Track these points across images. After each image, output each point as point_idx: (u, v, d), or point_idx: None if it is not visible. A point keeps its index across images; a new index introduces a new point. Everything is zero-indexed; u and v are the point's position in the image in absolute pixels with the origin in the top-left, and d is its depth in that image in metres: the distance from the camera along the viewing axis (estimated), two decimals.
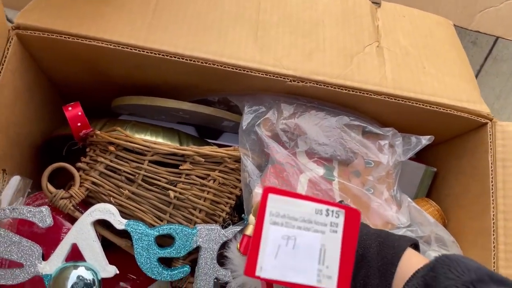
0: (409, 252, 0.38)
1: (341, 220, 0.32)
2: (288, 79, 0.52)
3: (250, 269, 0.31)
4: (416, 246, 0.40)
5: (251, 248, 0.31)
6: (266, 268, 0.31)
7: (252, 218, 0.44)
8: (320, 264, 0.31)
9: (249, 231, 0.41)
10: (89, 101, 0.55)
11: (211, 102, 0.64)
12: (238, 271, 0.43)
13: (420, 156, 0.66)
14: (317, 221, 0.32)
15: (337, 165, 0.55)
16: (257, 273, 0.31)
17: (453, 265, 0.32)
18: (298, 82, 0.52)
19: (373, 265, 0.37)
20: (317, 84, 0.52)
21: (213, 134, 0.69)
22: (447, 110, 0.55)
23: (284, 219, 0.32)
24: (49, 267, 0.45)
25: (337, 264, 0.31)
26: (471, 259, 0.34)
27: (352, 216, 0.32)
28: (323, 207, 0.32)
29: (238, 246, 0.43)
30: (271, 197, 0.31)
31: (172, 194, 0.50)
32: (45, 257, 0.46)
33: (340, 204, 0.32)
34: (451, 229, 0.56)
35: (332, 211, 0.32)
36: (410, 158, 0.64)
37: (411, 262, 0.36)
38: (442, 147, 0.64)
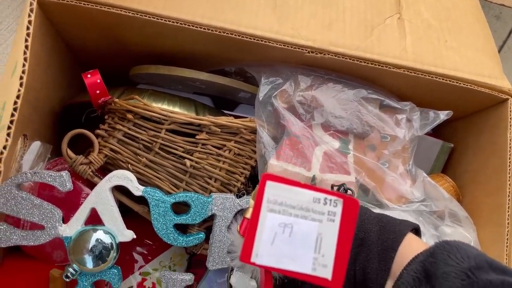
0: (410, 237, 0.38)
1: (339, 209, 0.31)
2: (306, 50, 0.51)
3: (246, 255, 0.31)
4: (417, 231, 0.40)
5: (247, 234, 0.31)
6: (262, 254, 0.31)
7: (252, 202, 0.44)
8: (316, 252, 0.31)
9: (249, 214, 0.41)
10: (107, 69, 0.56)
11: (228, 73, 0.63)
12: (237, 252, 0.43)
13: (437, 132, 0.66)
14: (314, 209, 0.32)
15: (352, 138, 0.55)
16: (253, 260, 0.31)
17: (452, 252, 0.32)
18: (316, 54, 0.51)
19: (373, 249, 0.37)
20: (335, 56, 0.52)
21: (229, 105, 0.69)
22: (467, 85, 0.54)
23: (282, 207, 0.31)
24: (69, 229, 0.47)
25: (333, 253, 0.31)
26: (471, 246, 0.33)
27: (350, 206, 0.31)
28: (322, 196, 0.32)
29: (238, 228, 0.43)
30: (269, 184, 0.31)
31: (188, 163, 0.51)
32: (64, 220, 0.48)
33: (338, 193, 0.32)
34: (466, 205, 0.56)
35: (330, 200, 0.32)
36: (427, 134, 0.63)
37: (411, 247, 0.36)
38: (461, 123, 0.63)
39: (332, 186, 0.48)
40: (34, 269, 0.54)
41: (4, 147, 0.35)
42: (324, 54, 0.51)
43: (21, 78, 0.37)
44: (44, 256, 0.53)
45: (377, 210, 0.50)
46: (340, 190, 0.43)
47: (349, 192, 0.46)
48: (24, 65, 0.38)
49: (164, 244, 0.60)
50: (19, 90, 0.37)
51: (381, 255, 0.37)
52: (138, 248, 0.59)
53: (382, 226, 0.39)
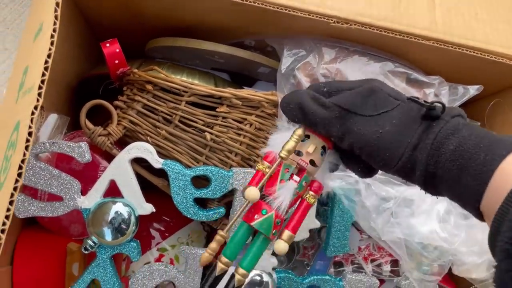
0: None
1: None
2: (332, 20, 0.49)
3: None
4: None
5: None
6: None
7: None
8: None
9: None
10: (123, 43, 0.54)
11: (247, 47, 0.62)
12: None
13: (463, 109, 0.63)
14: None
15: None
16: None
17: None
18: (342, 24, 0.49)
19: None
20: (362, 27, 0.50)
21: (247, 82, 0.67)
22: (498, 59, 0.51)
23: None
24: (88, 201, 0.46)
25: None
26: None
27: None
28: None
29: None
30: None
31: (208, 136, 0.49)
32: (82, 194, 0.47)
33: None
34: None
35: None
36: None
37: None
38: (489, 100, 0.61)
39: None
40: (51, 243, 0.54)
41: (35, 107, 0.34)
42: (350, 25, 0.49)
43: (51, 43, 0.36)
44: (62, 229, 0.52)
45: (402, 188, 0.49)
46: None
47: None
48: (53, 36, 0.36)
49: (181, 220, 0.60)
50: (50, 49, 0.35)
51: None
52: (155, 224, 0.58)
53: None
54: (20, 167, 0.32)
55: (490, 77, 0.55)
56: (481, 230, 0.49)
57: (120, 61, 0.49)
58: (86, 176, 0.49)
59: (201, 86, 0.49)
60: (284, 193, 0.34)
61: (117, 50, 0.49)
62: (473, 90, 0.52)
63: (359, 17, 0.49)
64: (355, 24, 0.50)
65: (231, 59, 0.58)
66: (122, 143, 0.50)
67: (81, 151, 0.45)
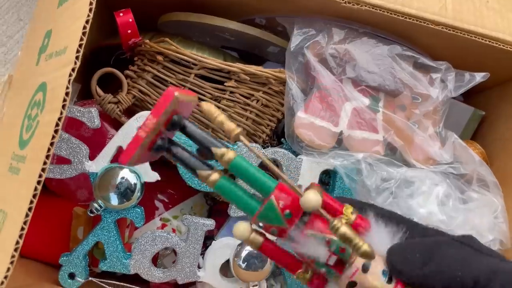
0: None
1: None
2: (343, 0, 0.50)
3: None
4: None
5: None
6: None
7: None
8: None
9: None
10: (136, 16, 0.55)
11: (258, 26, 0.62)
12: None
13: (469, 99, 0.64)
14: None
15: (383, 96, 0.54)
16: None
17: None
18: (353, 5, 0.50)
19: None
20: (372, 8, 0.50)
21: (256, 62, 0.68)
22: (506, 47, 0.52)
23: None
24: (95, 166, 0.47)
25: None
26: None
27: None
28: None
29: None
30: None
31: None
32: (90, 159, 0.48)
33: None
34: (494, 174, 0.55)
35: None
36: (458, 100, 0.62)
37: None
38: (495, 91, 0.61)
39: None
40: (58, 207, 0.55)
41: (73, 70, 0.35)
42: (360, 6, 0.50)
43: (90, 10, 0.37)
44: (68, 194, 0.54)
45: (403, 169, 0.49)
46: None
47: None
48: (91, 3, 0.37)
49: (184, 193, 0.61)
50: (88, 15, 0.36)
51: None
52: (159, 196, 0.59)
53: None
54: (57, 125, 0.33)
55: (498, 65, 0.55)
56: (479, 215, 0.49)
57: (133, 31, 0.50)
58: (95, 143, 0.50)
59: (211, 59, 0.50)
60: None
61: (130, 20, 0.49)
62: (479, 77, 0.53)
63: None
64: (365, 6, 0.50)
65: (241, 37, 0.59)
66: (130, 113, 0.51)
67: (91, 116, 0.46)
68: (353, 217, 0.29)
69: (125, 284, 0.49)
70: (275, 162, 0.51)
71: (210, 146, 0.28)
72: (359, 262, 0.28)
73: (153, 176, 0.48)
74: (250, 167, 0.29)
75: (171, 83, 0.50)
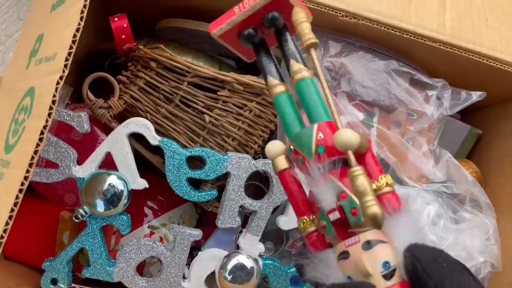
0: None
1: None
2: (340, 13, 0.49)
3: None
4: None
5: None
6: None
7: None
8: None
9: None
10: (132, 22, 0.55)
11: None
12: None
13: (466, 118, 0.63)
14: None
15: (378, 112, 0.53)
16: None
17: None
18: (350, 18, 0.49)
19: None
20: (370, 23, 0.50)
21: (253, 71, 0.68)
22: (504, 67, 0.51)
23: None
24: (83, 171, 0.47)
25: None
26: None
27: None
28: None
29: None
30: None
31: (207, 118, 0.50)
32: (79, 164, 0.47)
33: None
34: (488, 193, 0.54)
35: None
36: (455, 118, 0.61)
37: None
38: (492, 110, 0.60)
39: None
40: (45, 211, 0.54)
41: (61, 78, 0.35)
42: (358, 20, 0.49)
43: (81, 18, 0.36)
44: (56, 198, 0.53)
45: (395, 187, 0.49)
46: None
47: None
48: (82, 12, 0.37)
49: (174, 201, 0.60)
50: (79, 24, 0.36)
51: None
52: (148, 202, 0.59)
53: None
54: (42, 133, 0.33)
55: (495, 85, 0.54)
56: (470, 236, 0.48)
57: (127, 36, 0.49)
58: (84, 147, 0.50)
59: (204, 68, 0.49)
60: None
61: (125, 25, 0.49)
62: (475, 96, 0.52)
63: (368, 13, 0.49)
64: (363, 20, 0.50)
65: None
66: (122, 119, 0.51)
67: (80, 121, 0.46)
68: (386, 189, 0.25)
69: None
70: (265, 173, 0.50)
71: (291, 57, 0.29)
72: (364, 235, 0.24)
73: (141, 184, 0.48)
74: (314, 92, 0.28)
75: (163, 90, 0.50)
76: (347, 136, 0.24)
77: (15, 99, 0.38)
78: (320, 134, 0.26)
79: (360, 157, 0.26)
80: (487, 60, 0.51)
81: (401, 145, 0.51)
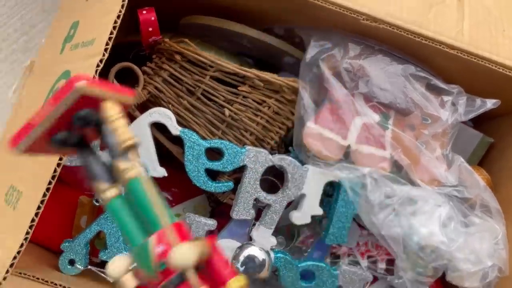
0: None
1: None
2: (362, 17, 0.51)
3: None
4: None
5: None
6: None
7: None
8: None
9: None
10: (157, 17, 0.56)
11: (276, 36, 0.63)
12: None
13: (479, 126, 0.64)
14: None
15: (393, 114, 0.55)
16: None
17: None
18: (371, 22, 0.51)
19: None
20: (390, 27, 0.51)
21: (271, 71, 0.69)
22: None
23: None
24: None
25: None
26: None
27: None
28: None
29: None
30: None
31: (227, 112, 0.51)
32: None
33: None
34: (498, 201, 0.55)
35: None
36: (468, 126, 0.62)
37: None
38: (506, 118, 0.61)
39: None
40: (64, 194, 0.56)
41: (101, 61, 0.36)
42: (378, 24, 0.51)
43: (122, 6, 0.38)
44: (76, 182, 0.55)
45: (407, 187, 0.50)
46: None
47: None
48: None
49: (188, 193, 0.62)
50: (120, 11, 0.38)
51: None
52: (163, 193, 0.60)
53: None
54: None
55: (510, 94, 0.55)
56: (479, 240, 0.49)
57: (154, 29, 0.51)
58: None
59: (227, 63, 0.51)
60: None
61: (152, 18, 0.51)
62: (490, 103, 0.53)
63: (389, 17, 0.51)
64: (384, 24, 0.51)
65: (259, 45, 0.60)
66: (144, 109, 0.52)
67: None
68: None
69: None
70: (281, 169, 0.51)
71: (115, 156, 0.25)
72: None
73: (161, 172, 0.49)
74: (147, 195, 0.24)
75: (186, 82, 0.51)
76: (182, 256, 0.22)
77: (48, 81, 0.40)
78: (160, 248, 0.23)
79: (207, 262, 0.24)
80: (503, 69, 0.52)
81: (415, 147, 0.52)
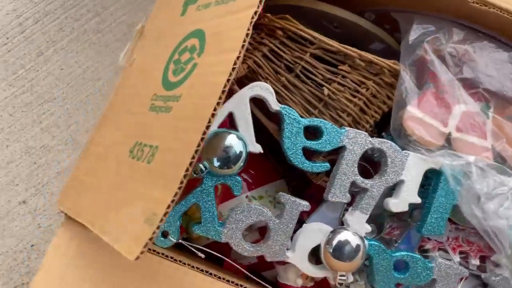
0: None
1: None
2: (471, 0, 0.49)
3: None
4: None
5: None
6: None
7: None
8: None
9: None
10: None
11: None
12: None
13: None
14: None
15: (493, 104, 0.52)
16: None
17: None
18: (480, 5, 0.49)
19: None
20: (500, 12, 0.49)
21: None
22: None
23: None
24: None
25: None
26: None
27: None
28: None
29: None
30: None
31: (326, 90, 0.50)
32: None
33: None
34: None
35: None
36: None
37: None
38: None
39: None
40: None
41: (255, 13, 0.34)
42: (488, 8, 0.49)
43: None
44: None
45: None
46: None
47: None
48: None
49: (268, 176, 0.60)
50: None
51: None
52: (243, 175, 0.59)
53: None
54: (235, 63, 0.33)
55: None
56: None
57: None
58: None
59: (330, 40, 0.50)
60: None
61: None
62: None
63: (499, 1, 0.49)
64: (493, 8, 0.49)
65: (349, 28, 0.58)
66: (241, 85, 0.51)
67: None
68: None
69: (212, 251, 0.48)
70: (380, 152, 0.49)
71: None
72: None
73: (258, 148, 0.48)
74: None
75: (285, 59, 0.50)
76: None
77: (169, 43, 0.39)
78: None
79: None
80: None
81: None
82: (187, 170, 0.33)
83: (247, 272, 0.51)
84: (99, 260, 0.39)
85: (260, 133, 0.50)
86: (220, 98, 0.33)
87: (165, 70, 0.39)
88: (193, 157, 0.33)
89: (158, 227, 0.33)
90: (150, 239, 0.33)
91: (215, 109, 0.33)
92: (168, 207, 0.33)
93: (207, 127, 0.33)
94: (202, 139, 0.33)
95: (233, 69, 0.34)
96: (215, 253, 0.49)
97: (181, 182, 0.33)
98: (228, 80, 0.33)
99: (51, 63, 0.82)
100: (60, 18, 0.84)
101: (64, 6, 0.85)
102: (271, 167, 0.61)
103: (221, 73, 0.33)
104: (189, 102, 0.36)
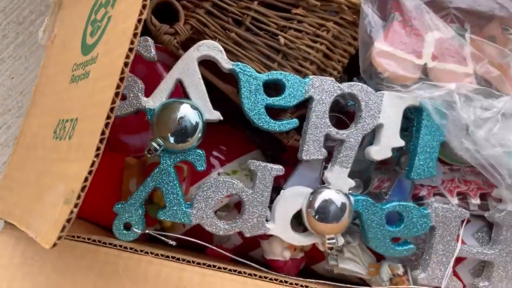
0: None
1: None
2: None
3: None
4: None
5: None
6: None
7: None
8: None
9: None
10: None
11: None
12: None
13: None
14: None
15: (469, 27, 0.47)
16: None
17: None
18: None
19: None
20: None
21: None
22: None
23: None
24: (153, 101, 0.42)
25: None
26: None
27: None
28: None
29: None
30: None
31: (282, 40, 0.45)
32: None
33: None
34: None
35: None
36: None
37: None
38: None
39: None
40: (107, 160, 0.50)
41: None
42: None
43: None
44: (119, 145, 0.49)
45: (507, 98, 0.43)
46: None
47: None
48: None
49: (240, 150, 0.55)
50: None
51: None
52: (214, 153, 0.54)
53: None
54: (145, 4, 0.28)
55: None
56: None
57: None
58: (148, 84, 0.45)
59: None
60: None
61: None
62: None
63: None
64: None
65: None
66: (186, 48, 0.46)
67: (147, 45, 0.41)
68: None
69: (187, 238, 0.43)
70: (352, 97, 0.44)
71: None
72: None
73: (216, 115, 0.43)
74: None
75: (232, 12, 0.45)
76: None
77: (85, 6, 0.34)
78: None
79: None
80: None
81: (502, 56, 0.45)
82: (103, 133, 0.28)
83: (230, 255, 0.46)
84: (50, 264, 0.35)
85: (224, 101, 0.45)
86: (132, 43, 0.28)
87: (84, 35, 0.34)
88: (108, 117, 0.28)
89: (76, 205, 0.28)
90: (68, 220, 0.28)
91: (127, 57, 0.28)
92: (86, 180, 0.28)
93: (121, 80, 0.28)
94: (116, 94, 0.28)
95: (144, 6, 0.29)
96: (191, 239, 0.44)
97: (98, 149, 0.28)
98: (139, 21, 0.28)
99: (0, 74, 0.77)
100: (3, 24, 0.79)
101: (4, 12, 0.79)
102: (244, 139, 0.56)
103: (130, 16, 0.28)
104: (104, 60, 0.31)
